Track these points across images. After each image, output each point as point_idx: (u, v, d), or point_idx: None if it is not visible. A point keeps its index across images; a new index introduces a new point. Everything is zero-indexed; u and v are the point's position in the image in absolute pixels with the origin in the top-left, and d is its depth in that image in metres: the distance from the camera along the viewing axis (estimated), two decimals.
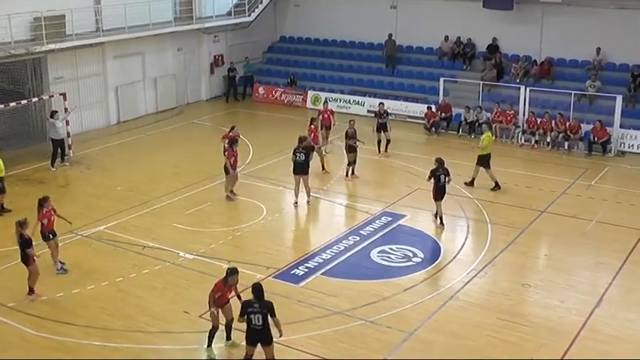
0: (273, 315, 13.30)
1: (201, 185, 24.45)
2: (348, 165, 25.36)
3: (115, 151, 29.44)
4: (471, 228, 21.35)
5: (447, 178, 21.11)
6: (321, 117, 28.17)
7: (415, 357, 14.74)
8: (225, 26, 38.06)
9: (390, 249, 19.79)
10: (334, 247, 19.82)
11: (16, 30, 27.34)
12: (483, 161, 24.24)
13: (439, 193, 21.18)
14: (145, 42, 33.67)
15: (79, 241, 20.18)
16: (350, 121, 25.73)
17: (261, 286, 13.56)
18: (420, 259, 19.19)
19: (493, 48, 34.56)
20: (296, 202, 22.87)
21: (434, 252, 19.68)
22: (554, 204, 23.12)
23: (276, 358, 13.64)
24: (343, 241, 20.22)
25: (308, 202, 22.99)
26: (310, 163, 22.97)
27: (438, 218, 21.32)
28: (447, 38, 36.15)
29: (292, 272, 18.32)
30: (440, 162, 21.25)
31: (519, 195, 23.94)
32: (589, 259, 19.58)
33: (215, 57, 38.56)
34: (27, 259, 16.83)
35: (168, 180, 25.09)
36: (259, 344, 13.52)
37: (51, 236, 18.05)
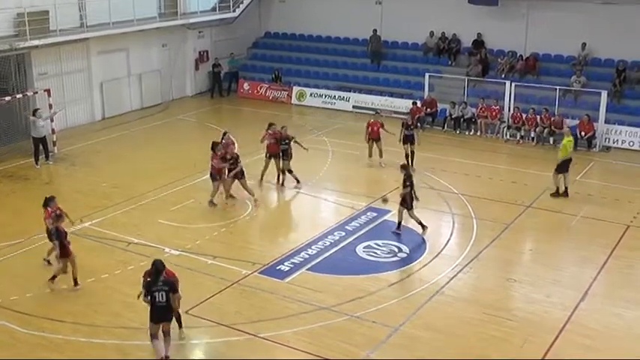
0: (175, 291, 13.84)
1: (186, 181, 24.37)
2: (283, 172, 24.18)
3: (100, 147, 29.30)
4: (456, 223, 21.38)
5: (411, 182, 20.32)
6: (370, 129, 26.23)
7: (401, 352, 14.77)
8: (209, 22, 37.98)
9: (376, 244, 19.80)
10: (320, 243, 19.81)
11: None
12: (563, 166, 23.33)
13: (410, 200, 20.29)
14: (130, 38, 33.57)
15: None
16: (282, 127, 24.45)
17: (161, 263, 14.01)
18: (406, 255, 19.20)
19: (478, 43, 34.65)
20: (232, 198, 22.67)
21: (419, 247, 19.67)
22: (540, 199, 23.20)
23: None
24: (329, 237, 20.21)
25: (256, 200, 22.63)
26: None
27: (417, 223, 20.49)
28: (432, 34, 36.19)
29: (278, 268, 18.29)
30: (405, 167, 20.70)
31: (504, 190, 24.02)
32: (574, 254, 19.68)
33: (200, 53, 38.50)
34: (64, 250, 17.02)
35: (154, 176, 24.98)
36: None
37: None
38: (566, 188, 23.35)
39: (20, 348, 14.90)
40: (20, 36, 28.23)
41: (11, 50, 27.97)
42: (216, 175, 22.20)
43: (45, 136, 26.63)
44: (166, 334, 14.19)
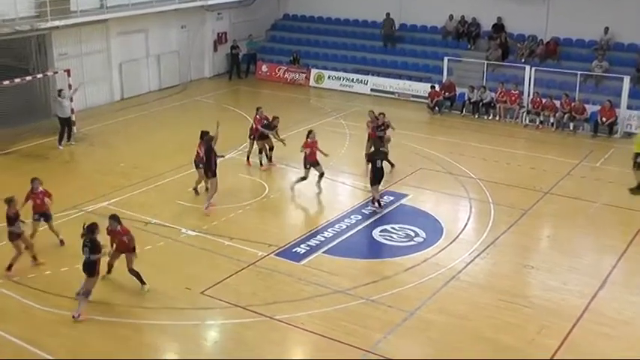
0: (94, 252, 15.16)
1: None
2: (260, 153, 24.29)
3: (118, 127, 29.45)
4: (474, 208, 21.29)
5: (383, 162, 21.05)
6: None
7: (415, 337, 14.76)
8: (228, 3, 37.85)
9: (392, 228, 19.77)
10: (336, 226, 19.81)
11: (20, 6, 27.35)
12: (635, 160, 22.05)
13: (377, 177, 20.91)
14: (149, 19, 33.58)
15: (83, 217, 20.11)
16: (275, 117, 24.37)
17: (91, 224, 15.28)
18: (422, 239, 19.15)
19: (498, 27, 34.34)
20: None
21: (436, 232, 19.61)
22: (558, 185, 23.04)
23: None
24: (345, 220, 20.21)
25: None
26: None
27: (376, 202, 21.05)
28: (451, 17, 35.91)
29: (294, 250, 18.33)
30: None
31: (523, 176, 23.87)
32: (593, 242, 19.55)
33: (218, 34, 38.45)
34: (9, 235, 17.06)
35: (172, 157, 25.00)
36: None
37: (37, 217, 18.10)
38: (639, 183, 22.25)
39: (35, 324, 15.03)
40: (41, 17, 28.27)
41: (32, 31, 28.06)
42: (199, 162, 21.63)
43: (69, 117, 26.76)
44: (86, 294, 15.22)
